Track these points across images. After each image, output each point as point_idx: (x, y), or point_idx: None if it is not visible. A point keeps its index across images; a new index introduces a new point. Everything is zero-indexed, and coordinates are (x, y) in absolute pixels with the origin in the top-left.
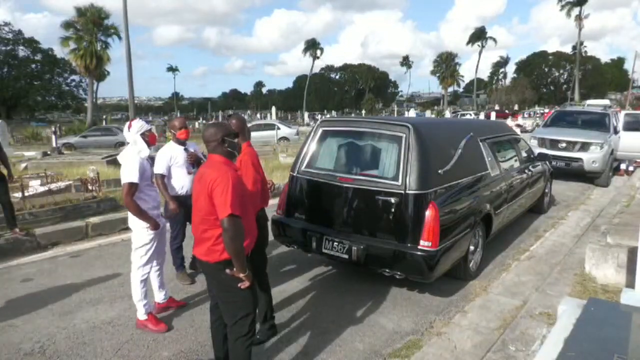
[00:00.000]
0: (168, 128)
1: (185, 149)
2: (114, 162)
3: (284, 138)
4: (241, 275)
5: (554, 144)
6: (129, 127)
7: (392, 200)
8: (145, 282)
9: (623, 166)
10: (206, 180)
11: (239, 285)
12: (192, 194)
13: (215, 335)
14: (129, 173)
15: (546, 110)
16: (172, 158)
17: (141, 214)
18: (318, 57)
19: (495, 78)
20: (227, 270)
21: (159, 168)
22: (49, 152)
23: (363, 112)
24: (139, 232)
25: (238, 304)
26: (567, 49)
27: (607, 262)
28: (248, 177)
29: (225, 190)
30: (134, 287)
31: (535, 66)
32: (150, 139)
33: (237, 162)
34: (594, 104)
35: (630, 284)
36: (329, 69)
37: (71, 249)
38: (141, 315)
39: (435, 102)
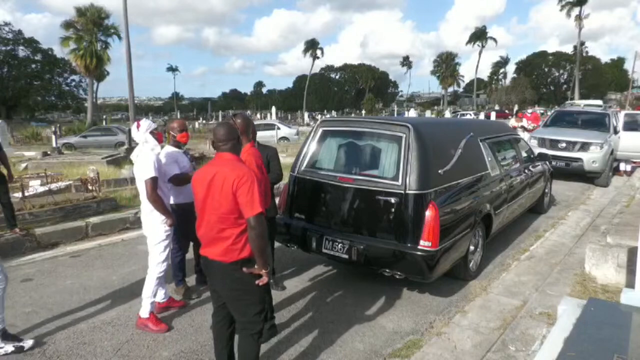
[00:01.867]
0: (167, 129)
1: (185, 152)
2: (114, 162)
3: (284, 138)
4: (263, 271)
5: (554, 144)
6: (138, 126)
7: (392, 200)
8: (161, 279)
9: (622, 167)
10: (225, 178)
11: (256, 282)
12: (197, 195)
13: (218, 337)
14: (147, 169)
15: (530, 111)
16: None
17: (165, 209)
18: (318, 57)
19: (495, 78)
20: (244, 269)
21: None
22: (49, 152)
23: (363, 112)
24: (157, 228)
25: (251, 301)
26: (567, 49)
27: (607, 262)
28: None
29: (251, 188)
30: (148, 283)
31: (535, 66)
32: (159, 137)
33: None
34: (589, 104)
35: (630, 284)
36: (329, 69)
37: (71, 249)
38: (144, 313)
39: (435, 102)
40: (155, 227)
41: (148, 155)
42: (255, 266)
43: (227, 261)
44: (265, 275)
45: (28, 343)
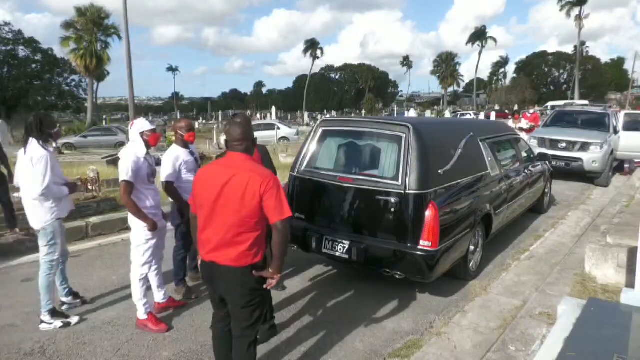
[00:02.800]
0: (171, 129)
1: (191, 152)
2: (114, 162)
3: (284, 138)
4: (277, 275)
5: (554, 144)
6: (131, 125)
7: (392, 200)
8: (145, 280)
9: (627, 165)
10: (249, 181)
11: (265, 285)
12: (205, 196)
13: (222, 342)
14: (122, 172)
15: (531, 111)
16: (181, 163)
17: (139, 213)
18: (318, 57)
19: (495, 78)
20: (254, 272)
21: (167, 175)
22: None
23: (363, 112)
24: (138, 231)
25: (257, 306)
26: (566, 49)
27: (607, 262)
28: None
29: (279, 192)
30: (133, 286)
31: (535, 66)
32: (150, 140)
33: None
34: (576, 104)
35: (630, 284)
36: (329, 69)
37: (71, 249)
38: (141, 314)
39: (435, 102)
40: (137, 230)
41: (128, 158)
42: (270, 269)
43: (239, 266)
44: (277, 278)
45: (74, 319)
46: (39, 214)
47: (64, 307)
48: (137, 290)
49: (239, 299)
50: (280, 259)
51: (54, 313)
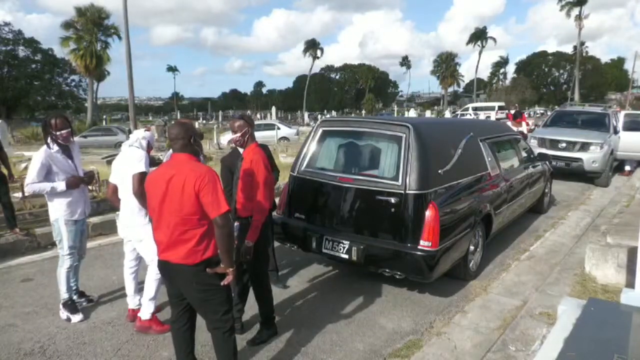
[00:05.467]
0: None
1: None
2: None
3: (284, 138)
4: (229, 270)
5: (554, 144)
6: (149, 129)
7: (392, 200)
8: (161, 279)
9: (628, 167)
10: (185, 179)
11: (222, 282)
12: (153, 197)
13: (182, 342)
14: (138, 164)
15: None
16: None
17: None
18: (318, 57)
19: (496, 78)
20: (208, 270)
21: None
22: None
23: (363, 112)
24: (141, 228)
25: (219, 300)
26: (566, 49)
27: (607, 262)
28: (260, 176)
29: (214, 188)
30: (149, 284)
31: (535, 66)
32: (148, 150)
33: (247, 162)
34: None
35: (630, 284)
36: (329, 69)
37: None
38: (146, 314)
39: (435, 102)
40: (140, 227)
41: (138, 153)
42: (221, 265)
43: (191, 263)
44: (230, 274)
45: (76, 318)
46: (50, 210)
47: None
48: (152, 289)
49: (197, 295)
50: (226, 253)
51: (65, 304)
